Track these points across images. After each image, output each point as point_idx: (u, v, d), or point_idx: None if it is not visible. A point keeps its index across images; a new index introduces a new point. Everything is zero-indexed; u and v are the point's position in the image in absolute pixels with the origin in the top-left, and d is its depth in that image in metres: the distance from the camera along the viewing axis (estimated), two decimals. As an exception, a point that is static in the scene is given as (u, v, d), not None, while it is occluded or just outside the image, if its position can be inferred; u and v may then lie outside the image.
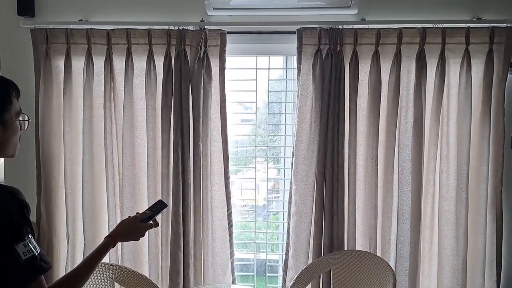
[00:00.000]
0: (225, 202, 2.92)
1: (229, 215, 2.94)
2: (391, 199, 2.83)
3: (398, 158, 2.82)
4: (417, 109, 2.78)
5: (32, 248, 1.31)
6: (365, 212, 2.86)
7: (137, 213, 1.78)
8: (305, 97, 2.83)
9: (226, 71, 2.88)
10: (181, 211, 2.86)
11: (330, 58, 2.76)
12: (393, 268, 2.83)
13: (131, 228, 1.71)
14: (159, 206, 1.80)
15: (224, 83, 2.87)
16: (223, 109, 2.88)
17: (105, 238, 1.65)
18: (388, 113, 2.82)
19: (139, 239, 1.74)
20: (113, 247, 1.64)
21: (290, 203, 2.89)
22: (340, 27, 2.77)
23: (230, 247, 2.96)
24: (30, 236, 1.33)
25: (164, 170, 2.88)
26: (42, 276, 1.35)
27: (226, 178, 2.91)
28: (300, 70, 2.82)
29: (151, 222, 1.75)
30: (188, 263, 2.89)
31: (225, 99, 2.88)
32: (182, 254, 2.88)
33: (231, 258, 2.97)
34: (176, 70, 2.82)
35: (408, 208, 2.82)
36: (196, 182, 2.89)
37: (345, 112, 2.80)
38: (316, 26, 2.78)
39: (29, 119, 1.47)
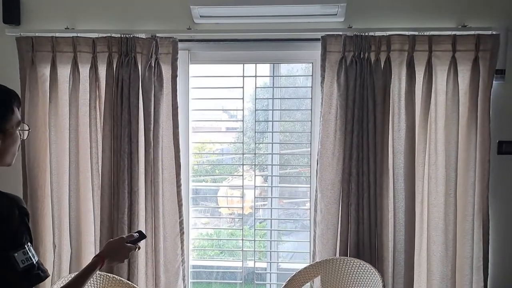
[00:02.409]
0: (177, 209, 2.91)
1: (181, 223, 2.92)
2: (387, 206, 2.83)
3: (393, 165, 2.82)
4: (409, 116, 2.78)
5: (31, 256, 1.32)
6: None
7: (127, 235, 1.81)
8: (329, 105, 2.82)
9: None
10: (126, 218, 2.84)
11: (354, 65, 2.76)
12: (391, 275, 2.84)
13: (119, 248, 1.72)
14: (138, 237, 1.82)
15: (176, 90, 2.86)
16: (175, 117, 2.86)
17: (93, 257, 1.66)
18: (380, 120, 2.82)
19: (124, 261, 1.76)
20: (100, 268, 1.64)
21: (315, 211, 2.88)
22: (366, 34, 2.76)
23: (181, 254, 2.94)
24: (29, 244, 1.33)
25: (114, 178, 2.87)
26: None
27: (178, 185, 2.89)
28: (324, 77, 2.81)
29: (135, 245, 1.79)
30: (133, 272, 2.86)
31: (177, 107, 2.86)
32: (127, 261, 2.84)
33: (182, 265, 2.95)
34: (125, 77, 2.81)
35: (403, 215, 2.82)
36: (147, 189, 2.88)
37: (369, 119, 2.78)
38: (341, 33, 2.78)
39: (29, 129, 1.49)
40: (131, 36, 2.83)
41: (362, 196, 2.80)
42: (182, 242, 2.94)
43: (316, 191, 2.87)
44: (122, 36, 2.83)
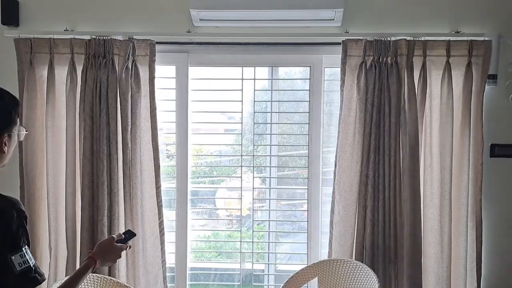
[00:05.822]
0: (157, 210, 2.92)
1: (161, 224, 2.92)
2: (400, 208, 2.85)
3: (402, 167, 2.85)
4: (412, 118, 2.84)
5: (28, 259, 1.33)
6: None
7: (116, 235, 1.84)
8: (348, 108, 2.85)
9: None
10: (105, 220, 2.84)
11: (374, 69, 2.80)
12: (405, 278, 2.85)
13: (110, 249, 1.75)
14: (128, 235, 1.87)
15: (154, 92, 2.88)
16: (153, 118, 2.88)
17: (85, 259, 1.68)
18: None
19: (116, 261, 1.79)
20: (93, 269, 1.66)
21: (332, 212, 2.90)
22: (388, 39, 2.81)
23: (161, 255, 2.94)
24: (27, 247, 1.34)
25: (94, 180, 2.87)
26: None
27: (157, 186, 2.90)
28: (344, 81, 2.84)
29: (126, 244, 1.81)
30: (114, 274, 2.85)
31: (155, 108, 2.88)
32: None
33: (162, 267, 2.95)
34: (103, 79, 2.83)
35: (408, 216, 2.86)
36: (126, 190, 2.88)
37: (385, 122, 2.83)
38: (362, 38, 2.83)
39: (26, 131, 1.52)
40: (108, 38, 2.84)
41: (378, 198, 2.84)
42: (162, 243, 2.94)
43: (334, 192, 2.90)
44: (99, 37, 2.84)
